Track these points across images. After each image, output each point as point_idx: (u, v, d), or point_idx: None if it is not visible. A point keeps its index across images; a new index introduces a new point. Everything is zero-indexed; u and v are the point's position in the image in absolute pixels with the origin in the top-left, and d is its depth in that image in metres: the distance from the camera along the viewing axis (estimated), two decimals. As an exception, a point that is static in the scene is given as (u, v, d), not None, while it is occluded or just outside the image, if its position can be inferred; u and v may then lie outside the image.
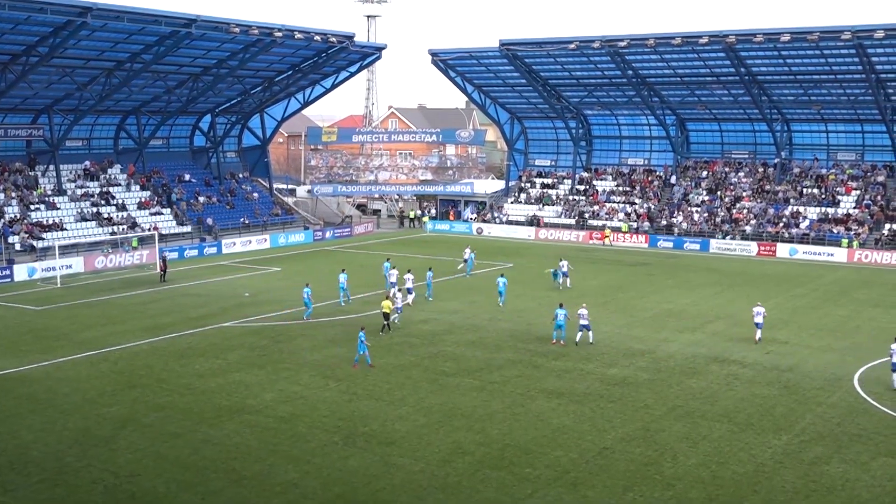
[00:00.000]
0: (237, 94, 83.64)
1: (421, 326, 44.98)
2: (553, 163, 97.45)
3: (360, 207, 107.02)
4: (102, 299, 53.59)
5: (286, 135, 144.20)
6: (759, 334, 42.00)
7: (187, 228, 77.14)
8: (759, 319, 42.32)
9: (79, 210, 72.37)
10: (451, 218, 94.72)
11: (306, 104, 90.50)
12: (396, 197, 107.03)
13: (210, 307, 50.41)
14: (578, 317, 41.70)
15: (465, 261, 62.41)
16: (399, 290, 48.50)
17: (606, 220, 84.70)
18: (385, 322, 43.26)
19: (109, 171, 79.31)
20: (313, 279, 53.68)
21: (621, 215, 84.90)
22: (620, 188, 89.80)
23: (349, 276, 52.46)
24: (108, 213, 73.82)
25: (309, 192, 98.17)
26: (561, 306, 41.94)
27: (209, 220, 78.62)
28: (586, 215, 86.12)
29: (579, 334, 41.40)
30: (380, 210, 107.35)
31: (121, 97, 74.92)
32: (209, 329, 44.74)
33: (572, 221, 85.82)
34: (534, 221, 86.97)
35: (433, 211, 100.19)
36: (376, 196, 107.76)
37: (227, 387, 34.58)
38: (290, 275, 62.79)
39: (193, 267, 66.40)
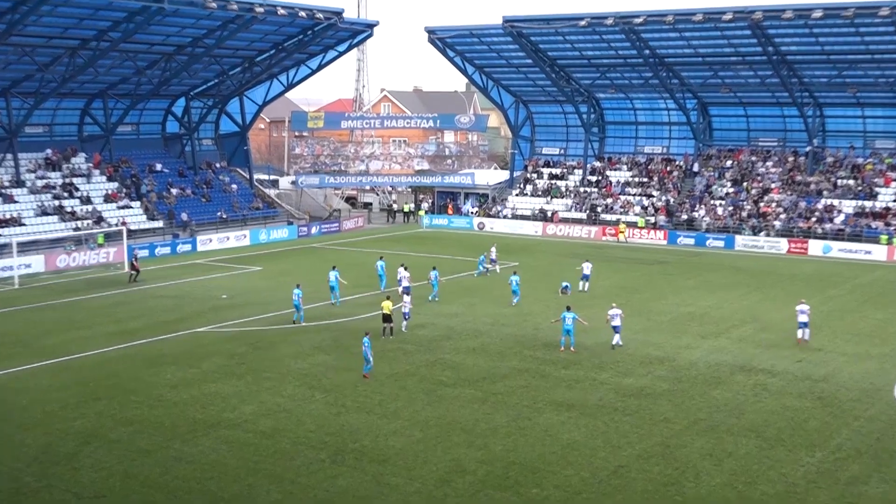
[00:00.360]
0: (214, 75, 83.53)
1: (417, 332, 44.85)
2: (562, 151, 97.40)
3: (350, 200, 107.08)
4: (65, 302, 53.45)
5: (268, 120, 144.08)
6: (804, 334, 42.07)
7: (159, 223, 77.10)
8: (803, 318, 42.52)
9: (39, 203, 72.22)
10: (450, 212, 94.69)
11: (290, 87, 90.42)
12: (389, 189, 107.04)
13: (184, 310, 50.32)
14: (609, 318, 42.00)
15: (493, 261, 62.56)
16: (407, 294, 48.47)
17: (621, 214, 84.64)
18: (385, 325, 43.32)
19: (73, 160, 79.20)
20: (298, 279, 53.40)
21: (637, 209, 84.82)
22: (636, 179, 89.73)
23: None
24: (72, 207, 73.70)
25: (293, 183, 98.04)
26: (568, 309, 41.94)
27: (183, 215, 78.50)
28: (599, 209, 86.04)
29: (616, 337, 41.88)
30: (371, 203, 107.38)
31: (86, 79, 74.77)
32: (183, 335, 44.65)
33: (583, 216, 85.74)
34: (545, 216, 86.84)
35: (427, 204, 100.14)
36: (367, 188, 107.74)
37: (202, 398, 34.46)
38: (272, 274, 62.69)
39: (165, 266, 66.28)
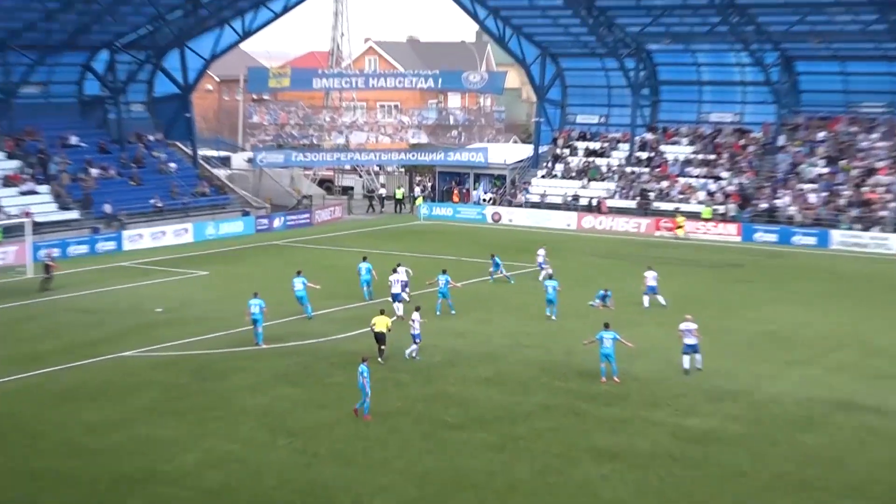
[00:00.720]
0: (147, 20, 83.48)
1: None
2: (603, 120, 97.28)
3: (325, 184, 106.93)
4: (-50, 317, 53.30)
5: (217, 80, 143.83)
6: None
7: (73, 214, 77.05)
8: None
9: (-84, 188, 72.23)
10: (455, 199, 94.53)
11: (247, 35, 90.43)
12: (376, 169, 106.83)
13: (106, 328, 50.15)
14: (682, 334, 42.25)
15: (541, 266, 62.56)
16: (397, 301, 48.43)
17: (680, 202, 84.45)
18: (380, 345, 43.61)
19: (-39, 131, 79.30)
20: (256, 287, 53.28)
21: (701, 195, 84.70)
22: (700, 156, 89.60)
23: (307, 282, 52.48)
24: (-40, 193, 73.63)
25: (249, 161, 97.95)
26: (606, 327, 41.91)
27: (106, 206, 78.24)
28: (651, 195, 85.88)
29: (686, 359, 42.09)
30: (352, 188, 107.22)
31: (-23, 26, 74.80)
32: (104, 360, 44.42)
33: (631, 204, 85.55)
34: (587, 204, 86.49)
35: (425, 189, 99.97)
36: (347, 168, 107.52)
37: (129, 445, 34.26)
38: (223, 281, 62.54)
39: (82, 270, 66.17)
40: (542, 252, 63.71)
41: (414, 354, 44.29)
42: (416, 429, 35.75)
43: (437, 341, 46.97)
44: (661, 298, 55.65)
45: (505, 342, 47.35)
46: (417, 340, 44.47)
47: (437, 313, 52.42)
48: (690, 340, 42.21)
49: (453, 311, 52.87)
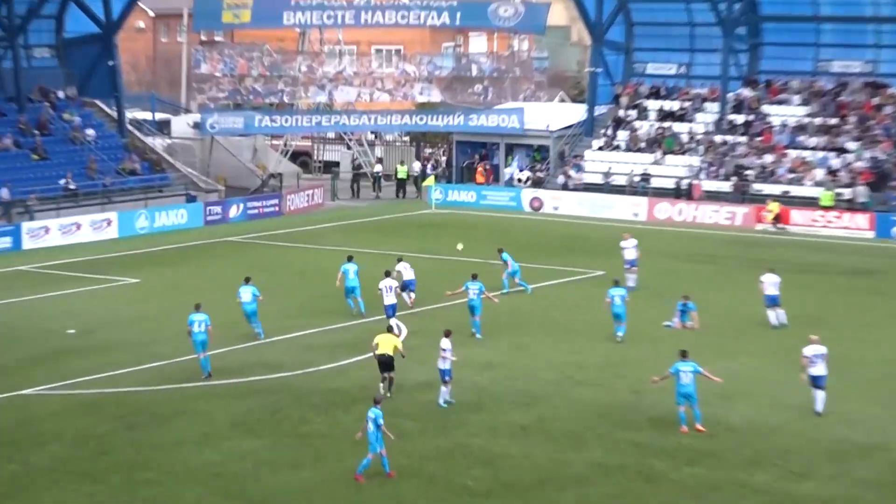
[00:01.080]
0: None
1: (420, 396, 44.96)
2: (683, 70, 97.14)
3: (300, 159, 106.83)
4: None
5: (152, 15, 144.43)
6: None
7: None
8: None
9: None
10: (480, 179, 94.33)
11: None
12: (371, 137, 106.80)
13: (1, 356, 50.15)
14: (807, 362, 42.57)
15: (629, 264, 63.13)
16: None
17: (790, 182, 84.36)
18: (385, 374, 44.44)
19: None
20: (200, 299, 53.34)
21: (819, 174, 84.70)
22: (817, 120, 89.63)
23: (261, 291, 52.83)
24: None
25: (197, 126, 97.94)
26: (684, 357, 41.86)
27: (2, 190, 78.57)
28: (749, 174, 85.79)
29: (819, 395, 42.57)
30: (337, 164, 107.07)
31: None
32: (-3, 400, 44.59)
33: (724, 186, 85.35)
34: (678, 189, 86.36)
35: (440, 166, 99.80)
36: (330, 135, 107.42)
37: (30, 519, 34.27)
38: (158, 292, 62.87)
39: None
40: (629, 244, 63.34)
41: (447, 398, 44.05)
42: (427, 495, 35.82)
43: (457, 374, 46.72)
44: (780, 314, 55.80)
45: (549, 377, 47.34)
46: (447, 378, 44.08)
47: (478, 336, 52.72)
48: (819, 370, 42.40)
49: (479, 336, 52.95)
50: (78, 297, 61.44)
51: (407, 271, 55.56)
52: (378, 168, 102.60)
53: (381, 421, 36.36)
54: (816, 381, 42.36)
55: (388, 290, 52.41)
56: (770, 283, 55.74)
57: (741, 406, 43.32)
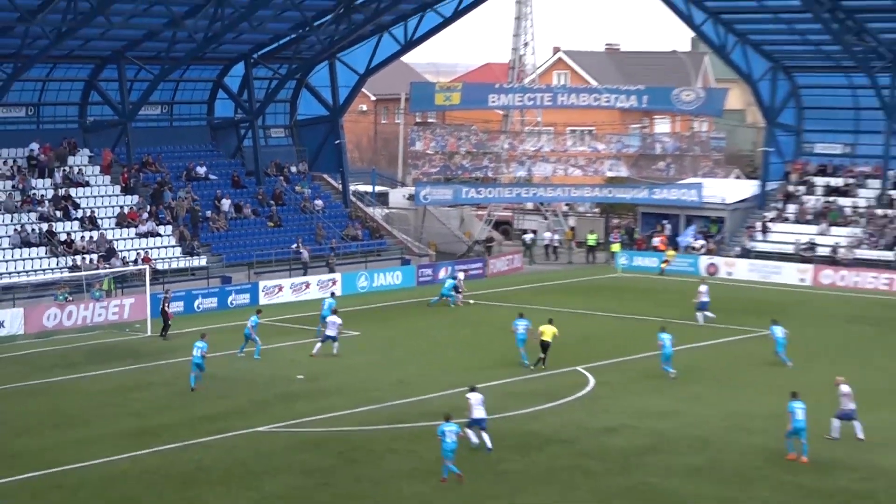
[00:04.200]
0: (290, 27, 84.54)
1: (604, 439, 44.46)
2: (848, 150, 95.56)
3: (501, 227, 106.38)
4: (54, 382, 54.04)
5: (373, 98, 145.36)
6: None
7: (200, 260, 77.98)
8: None
9: (17, 227, 73.65)
10: (661, 247, 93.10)
11: (410, 45, 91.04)
12: (565, 207, 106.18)
13: (236, 398, 50.63)
14: (842, 398, 44.05)
15: (702, 305, 63.61)
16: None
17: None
18: (543, 355, 53.79)
19: (71, 160, 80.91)
20: (415, 351, 53.01)
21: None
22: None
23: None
24: (68, 233, 75.05)
25: (411, 198, 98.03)
26: (796, 397, 42.32)
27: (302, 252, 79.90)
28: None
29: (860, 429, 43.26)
30: (535, 231, 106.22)
31: (93, 34, 76.42)
32: (234, 436, 44.82)
33: (888, 255, 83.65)
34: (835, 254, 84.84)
35: (623, 235, 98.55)
36: (529, 206, 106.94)
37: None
38: (375, 344, 62.75)
39: (209, 327, 66.32)
40: (703, 289, 67.52)
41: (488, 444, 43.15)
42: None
43: (635, 422, 46.67)
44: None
45: (721, 425, 46.68)
46: (484, 426, 43.02)
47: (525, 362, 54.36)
48: (848, 404, 44.08)
49: (525, 362, 55.70)
50: (306, 347, 61.38)
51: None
52: (553, 237, 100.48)
53: (456, 432, 39.19)
54: (847, 416, 43.93)
55: (332, 326, 57.30)
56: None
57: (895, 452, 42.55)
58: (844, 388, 44.14)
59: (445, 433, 38.93)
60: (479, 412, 42.50)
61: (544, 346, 53.94)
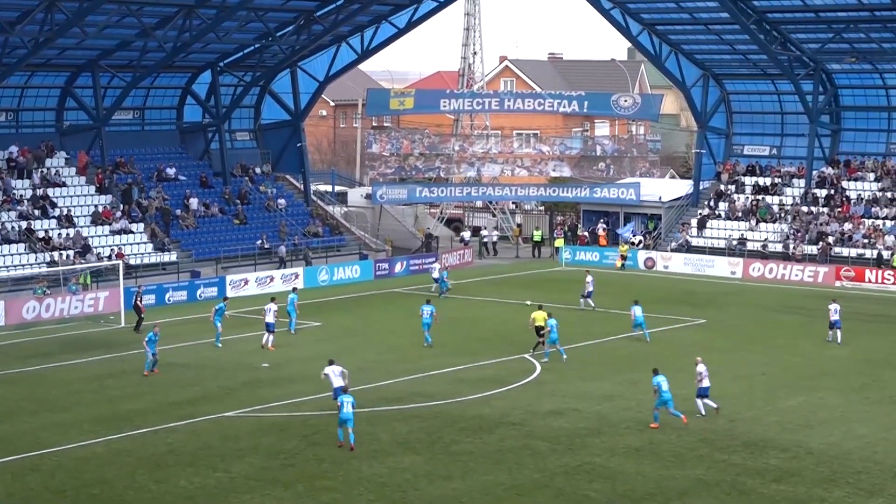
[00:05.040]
0: (255, 37, 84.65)
1: (550, 422, 44.88)
2: (774, 152, 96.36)
3: (453, 224, 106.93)
4: (33, 371, 54.41)
5: (332, 104, 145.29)
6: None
7: (171, 256, 78.59)
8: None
9: (-2, 225, 74.21)
10: (603, 242, 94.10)
11: (367, 54, 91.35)
12: (512, 206, 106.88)
13: (205, 385, 50.93)
14: (699, 377, 45.91)
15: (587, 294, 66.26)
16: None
17: (865, 247, 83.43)
18: (540, 339, 54.75)
19: (49, 161, 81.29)
20: (372, 339, 53.63)
21: (890, 240, 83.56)
22: (889, 194, 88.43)
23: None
24: (45, 230, 75.52)
25: (368, 197, 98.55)
26: (657, 373, 44.45)
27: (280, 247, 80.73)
28: (831, 239, 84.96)
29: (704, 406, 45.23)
30: (484, 228, 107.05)
31: (69, 43, 76.76)
32: (203, 422, 45.04)
33: (810, 249, 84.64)
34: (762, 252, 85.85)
35: (565, 230, 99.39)
36: (478, 204, 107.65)
37: (232, 518, 34.80)
38: (336, 334, 63.07)
39: (178, 319, 67.02)
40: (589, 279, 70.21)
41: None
42: (555, 505, 35.78)
43: (579, 405, 47.05)
44: (839, 334, 59.24)
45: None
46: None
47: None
48: (706, 383, 45.72)
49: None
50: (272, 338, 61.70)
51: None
52: (491, 234, 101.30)
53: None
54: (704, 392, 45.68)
55: (268, 311, 56.96)
56: (835, 310, 60.12)
57: (820, 433, 42.96)
58: (701, 368, 45.82)
59: (344, 403, 41.11)
60: (337, 381, 44.69)
61: (538, 330, 55.39)
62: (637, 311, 61.37)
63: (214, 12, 76.98)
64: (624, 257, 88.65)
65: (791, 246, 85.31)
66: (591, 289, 70.05)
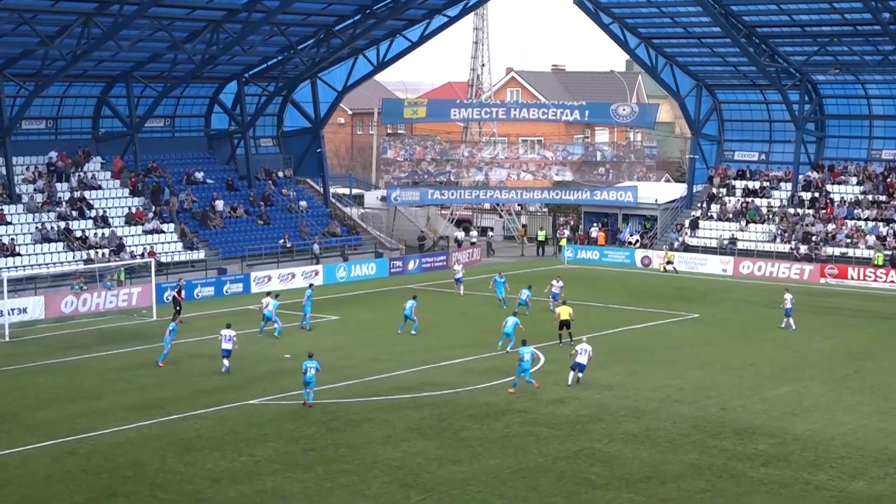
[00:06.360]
0: (277, 50, 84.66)
1: (553, 409, 44.88)
2: (763, 157, 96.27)
3: (463, 224, 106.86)
4: (70, 361, 54.48)
5: (350, 112, 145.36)
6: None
7: (200, 254, 78.69)
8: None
9: (38, 225, 74.22)
10: (602, 241, 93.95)
11: (382, 66, 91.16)
12: (518, 208, 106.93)
13: (231, 375, 50.89)
14: (576, 353, 48.22)
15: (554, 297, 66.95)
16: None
17: (847, 246, 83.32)
18: (562, 331, 55.67)
19: (86, 166, 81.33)
20: (387, 333, 53.61)
21: (871, 239, 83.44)
22: (870, 197, 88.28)
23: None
24: (82, 230, 75.60)
25: (383, 199, 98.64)
26: (525, 343, 47.29)
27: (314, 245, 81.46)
28: (815, 238, 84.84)
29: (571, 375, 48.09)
30: (491, 228, 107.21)
31: (104, 56, 76.70)
32: (229, 409, 45.14)
33: (803, 248, 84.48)
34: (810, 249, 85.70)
35: (567, 231, 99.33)
36: (486, 206, 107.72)
37: (255, 498, 34.83)
38: (353, 327, 63.30)
39: (206, 314, 67.16)
40: (557, 283, 68.79)
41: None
42: (556, 487, 35.73)
43: (580, 394, 47.06)
44: (792, 322, 60.98)
45: (654, 397, 47.06)
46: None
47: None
48: (582, 359, 47.94)
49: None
50: (292, 330, 61.73)
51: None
52: (519, 232, 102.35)
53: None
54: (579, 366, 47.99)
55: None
56: (789, 300, 62.17)
57: (805, 420, 43.02)
58: (585, 346, 48.16)
59: (307, 368, 44.03)
60: (226, 345, 49.50)
61: (564, 324, 56.08)
62: (524, 293, 65.44)
63: (240, 27, 76.97)
64: (669, 262, 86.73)
65: (791, 247, 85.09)
66: (556, 291, 68.03)
